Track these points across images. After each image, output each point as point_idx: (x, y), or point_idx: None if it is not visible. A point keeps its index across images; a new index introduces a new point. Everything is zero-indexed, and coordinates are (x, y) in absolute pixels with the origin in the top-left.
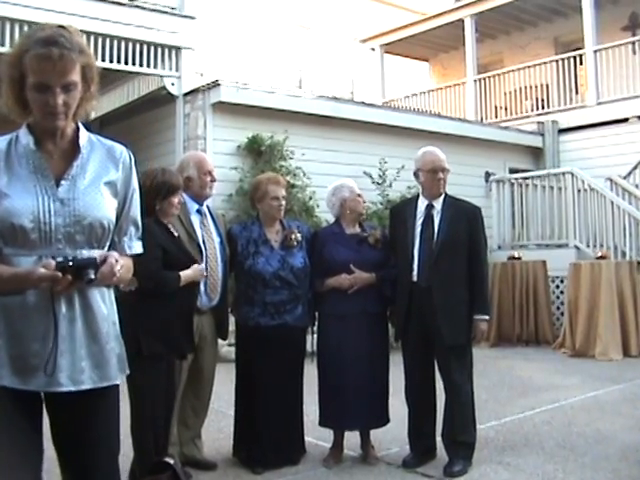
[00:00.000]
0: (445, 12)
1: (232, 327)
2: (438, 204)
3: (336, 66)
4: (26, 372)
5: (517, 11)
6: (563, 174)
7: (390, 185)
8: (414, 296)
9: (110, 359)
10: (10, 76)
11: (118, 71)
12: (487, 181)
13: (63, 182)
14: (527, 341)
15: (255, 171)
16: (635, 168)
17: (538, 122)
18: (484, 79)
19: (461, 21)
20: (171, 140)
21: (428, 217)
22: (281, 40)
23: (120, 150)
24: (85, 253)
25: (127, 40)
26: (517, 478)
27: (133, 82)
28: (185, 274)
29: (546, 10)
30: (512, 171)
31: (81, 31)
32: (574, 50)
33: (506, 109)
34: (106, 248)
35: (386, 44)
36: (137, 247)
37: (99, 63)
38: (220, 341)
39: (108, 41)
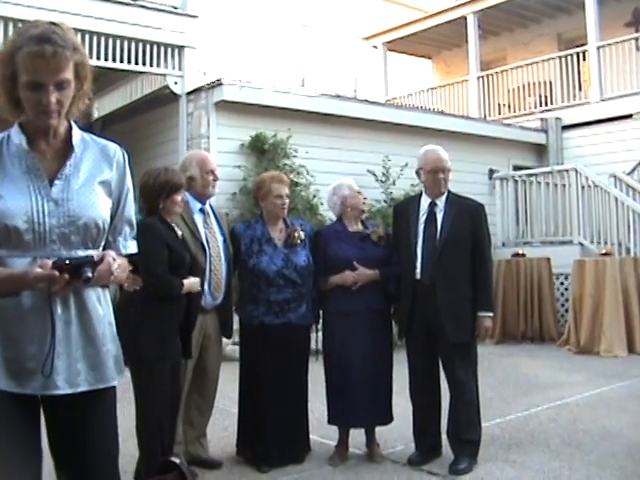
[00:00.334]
0: (448, 9)
1: (236, 326)
2: (441, 202)
3: (339, 64)
4: (22, 375)
5: (520, 8)
6: (567, 171)
7: (394, 183)
8: (417, 294)
9: (106, 361)
10: (2, 74)
11: (121, 70)
12: (491, 178)
13: (57, 182)
14: (532, 338)
15: (259, 169)
16: (639, 164)
17: (541, 119)
18: (487, 76)
19: (464, 18)
20: (174, 139)
21: (431, 215)
22: (284, 38)
23: (114, 149)
24: (80, 254)
25: (130, 39)
26: (523, 476)
27: (136, 81)
28: (190, 283)
29: (549, 7)
30: (516, 168)
31: (84, 31)
32: (577, 47)
33: (509, 106)
34: (101, 248)
35: (389, 42)
36: (132, 247)
37: (102, 63)
38: (224, 340)
39: (111, 40)
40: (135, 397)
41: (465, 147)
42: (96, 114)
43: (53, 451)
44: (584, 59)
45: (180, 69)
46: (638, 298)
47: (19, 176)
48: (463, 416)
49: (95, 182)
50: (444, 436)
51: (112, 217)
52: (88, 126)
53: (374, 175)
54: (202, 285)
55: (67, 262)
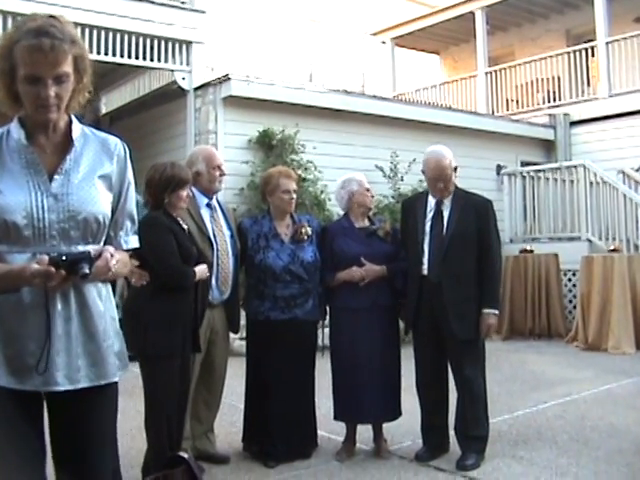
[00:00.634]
0: (456, 5)
1: (243, 321)
2: (448, 199)
3: (347, 59)
4: (23, 372)
5: (528, 3)
6: (575, 167)
7: (402, 179)
8: (424, 290)
9: (107, 357)
10: (0, 68)
11: (129, 66)
12: (499, 174)
13: (56, 177)
14: (539, 334)
15: (266, 165)
16: None
17: (550, 115)
18: (495, 72)
19: (472, 14)
20: (182, 134)
21: (438, 212)
22: (292, 34)
23: (115, 142)
24: (80, 249)
25: (138, 35)
26: (530, 472)
27: (144, 77)
28: (200, 269)
29: (557, 2)
30: (524, 164)
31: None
32: (586, 42)
33: (517, 102)
34: (102, 243)
35: (397, 37)
36: (133, 241)
37: (110, 58)
38: (232, 335)
39: (119, 36)
40: (144, 392)
41: (473, 143)
42: (104, 109)
43: (53, 448)
44: (592, 55)
45: (188, 64)
46: None
47: (18, 171)
48: (470, 412)
49: (95, 176)
50: (452, 432)
51: (113, 211)
52: (96, 121)
53: (382, 171)
54: (209, 280)
55: (63, 258)
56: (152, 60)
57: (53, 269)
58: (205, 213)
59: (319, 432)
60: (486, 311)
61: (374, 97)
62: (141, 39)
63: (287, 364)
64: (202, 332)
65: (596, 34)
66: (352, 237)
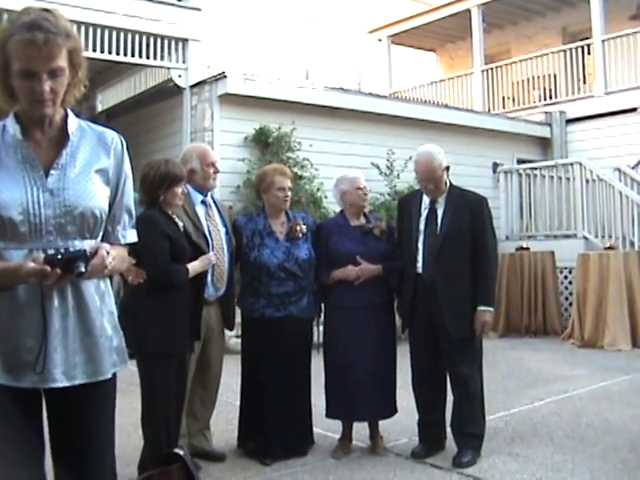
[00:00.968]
0: (452, 2)
1: (239, 318)
2: (442, 197)
3: (343, 57)
4: (20, 369)
5: (524, 1)
6: (571, 164)
7: (398, 176)
8: (419, 288)
9: (104, 352)
10: None
11: (125, 63)
12: (495, 172)
13: (53, 172)
14: (535, 332)
15: (262, 163)
16: None
17: (546, 112)
18: (491, 69)
19: (468, 11)
20: (178, 132)
21: (432, 210)
22: (288, 31)
23: (112, 136)
24: (77, 244)
25: (134, 32)
26: (526, 469)
27: (140, 74)
28: (193, 266)
29: (554, 0)
30: (520, 162)
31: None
32: (582, 40)
33: (514, 99)
34: (99, 238)
35: (393, 35)
36: (131, 236)
37: (106, 56)
38: (228, 332)
39: (115, 33)
40: (141, 389)
41: (469, 140)
42: (100, 107)
43: (52, 444)
44: (589, 52)
45: (184, 62)
46: None
47: (14, 167)
48: (467, 410)
49: (92, 170)
50: (448, 429)
51: (110, 205)
52: (92, 119)
53: (378, 168)
54: (205, 277)
55: (59, 257)
56: (148, 58)
57: (48, 268)
58: (200, 210)
59: (315, 429)
60: (481, 308)
61: (370, 95)
62: (137, 36)
63: (282, 361)
64: None
65: (592, 32)
66: (347, 235)
